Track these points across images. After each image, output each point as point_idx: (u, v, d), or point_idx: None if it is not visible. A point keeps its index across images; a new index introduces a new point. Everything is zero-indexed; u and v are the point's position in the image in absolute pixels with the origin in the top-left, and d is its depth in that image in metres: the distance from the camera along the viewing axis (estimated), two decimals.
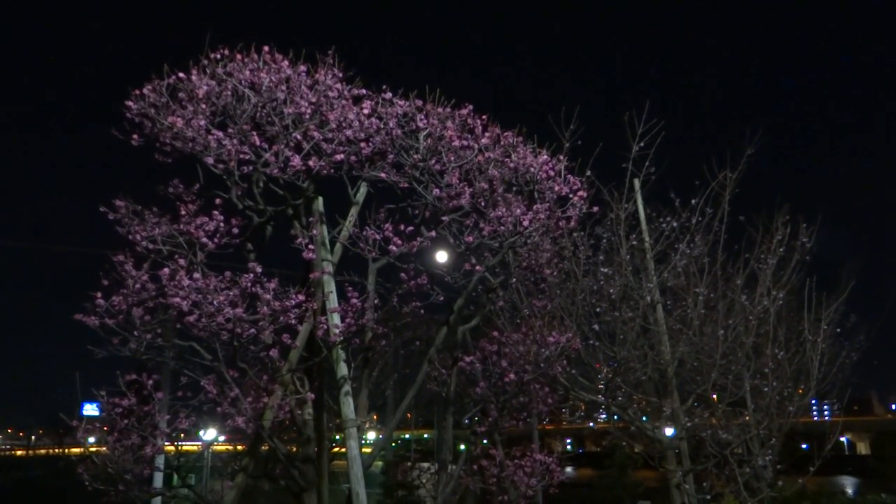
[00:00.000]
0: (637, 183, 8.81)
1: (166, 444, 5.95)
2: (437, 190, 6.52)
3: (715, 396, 8.06)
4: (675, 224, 8.51)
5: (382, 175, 6.52)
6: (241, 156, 5.96)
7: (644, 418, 8.53)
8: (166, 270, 5.45)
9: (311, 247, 6.31)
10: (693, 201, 8.50)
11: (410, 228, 6.49)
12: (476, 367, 8.05)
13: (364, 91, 6.50)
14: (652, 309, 8.30)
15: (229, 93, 6.07)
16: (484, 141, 6.75)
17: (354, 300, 6.41)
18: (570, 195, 7.23)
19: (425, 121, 6.55)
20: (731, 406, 8.13)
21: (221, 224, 5.95)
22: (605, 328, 8.03)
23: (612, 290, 7.97)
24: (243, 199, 6.27)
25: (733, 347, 7.80)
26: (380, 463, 21.03)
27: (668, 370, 8.03)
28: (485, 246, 7.18)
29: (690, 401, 8.24)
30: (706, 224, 8.37)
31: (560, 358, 7.55)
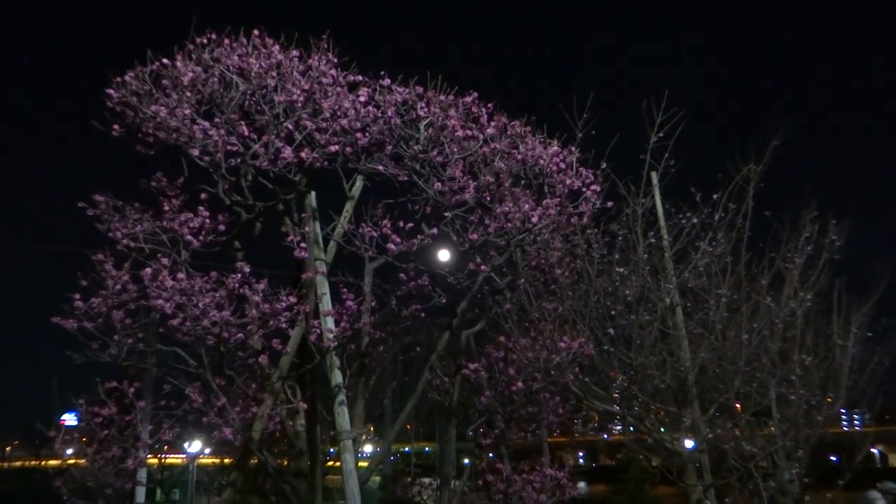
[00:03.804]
0: (655, 176, 8.80)
1: (149, 456, 5.95)
2: (439, 184, 6.51)
3: (738, 406, 8.04)
4: (695, 220, 8.49)
5: (380, 168, 6.50)
6: (229, 147, 5.95)
7: (662, 429, 8.51)
8: (148, 270, 5.45)
9: (303, 245, 6.29)
10: (715, 196, 8.48)
11: (410, 225, 6.47)
12: (481, 375, 8.03)
13: (360, 77, 6.49)
14: (671, 312, 8.28)
15: (216, 80, 6.07)
16: (489, 131, 6.73)
17: (350, 302, 6.39)
18: (583, 189, 7.21)
19: (426, 109, 6.54)
20: (756, 416, 8.10)
21: (207, 221, 5.94)
22: (621, 333, 8.01)
23: (627, 292, 7.95)
24: (231, 194, 6.26)
25: (758, 353, 7.78)
26: (377, 478, 21.04)
27: (688, 378, 8.01)
28: (490, 244, 7.16)
29: (712, 410, 8.21)
30: (729, 221, 8.35)
31: (572, 365, 7.53)
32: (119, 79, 5.97)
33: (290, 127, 6.19)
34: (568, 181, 7.12)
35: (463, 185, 6.56)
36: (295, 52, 6.32)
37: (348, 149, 6.42)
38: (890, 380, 8.89)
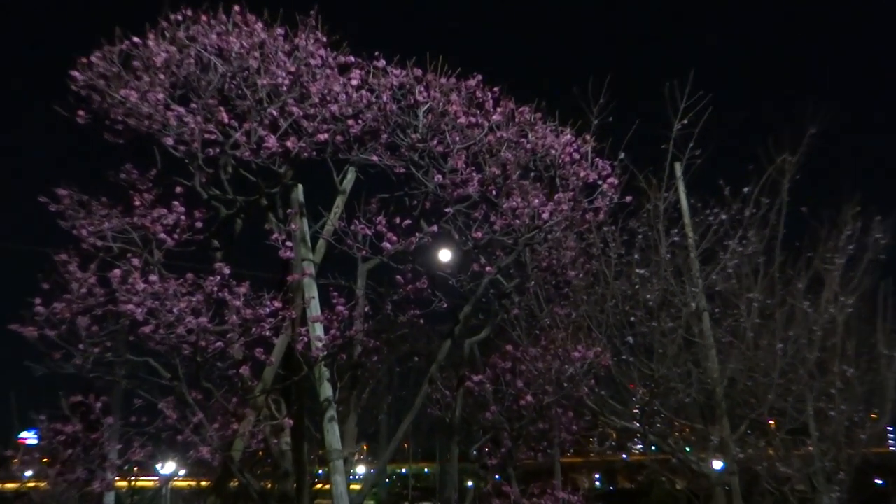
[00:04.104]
0: (679, 167, 8.80)
1: (117, 478, 5.96)
2: (440, 176, 6.50)
3: (772, 422, 8.04)
4: (724, 217, 8.49)
5: (374, 158, 6.50)
6: (207, 135, 5.95)
7: (687, 449, 8.51)
8: (117, 272, 5.44)
9: (288, 244, 6.29)
10: (746, 190, 8.48)
11: (408, 222, 6.46)
12: (486, 388, 8.03)
13: (352, 59, 6.48)
14: (697, 318, 8.28)
15: (192, 61, 6.06)
16: (495, 117, 6.72)
17: (341, 308, 6.38)
18: (599, 182, 7.20)
19: (425, 93, 6.52)
20: (792, 434, 8.10)
21: (182, 217, 5.94)
22: (641, 341, 8.02)
23: (648, 296, 7.96)
24: (209, 188, 6.27)
25: (794, 364, 7.78)
26: (371, 502, 21.07)
27: (716, 391, 8.01)
28: (496, 243, 7.15)
29: (743, 428, 8.21)
30: (761, 217, 8.35)
31: (587, 377, 7.53)
32: (85, 60, 5.97)
33: (275, 113, 6.18)
34: (582, 173, 7.11)
35: (466, 178, 6.56)
36: (280, 31, 6.31)
37: (339, 137, 6.41)
38: None
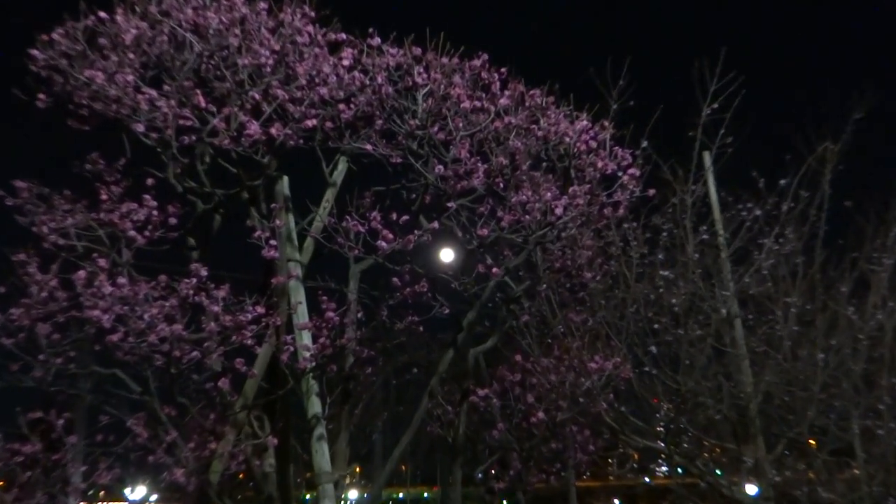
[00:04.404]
0: (708, 157, 8.76)
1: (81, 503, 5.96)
2: (441, 167, 6.52)
3: (812, 442, 8.00)
4: (758, 212, 8.46)
5: (368, 147, 6.53)
6: (181, 121, 5.96)
7: (718, 472, 8.48)
8: (82, 274, 5.45)
9: (272, 242, 6.30)
10: (783, 182, 8.44)
11: (406, 218, 6.48)
12: (493, 403, 8.04)
13: (344, 36, 6.51)
14: (728, 325, 8.25)
15: (166, 38, 6.08)
16: (503, 101, 6.74)
17: (331, 313, 6.41)
18: (619, 173, 7.21)
19: (425, 75, 6.55)
20: (835, 455, 8.06)
21: (154, 212, 5.96)
22: (666, 351, 7.99)
23: (674, 301, 7.92)
24: (183, 180, 6.28)
25: (837, 377, 7.74)
26: None
27: (749, 407, 7.97)
28: (504, 241, 7.16)
29: (780, 448, 8.18)
30: (800, 212, 8.31)
31: (605, 390, 7.52)
32: (45, 37, 5.97)
33: (258, 97, 6.21)
34: (600, 164, 7.12)
35: (470, 169, 6.57)
36: (263, 5, 6.34)
37: (329, 123, 6.44)
38: None
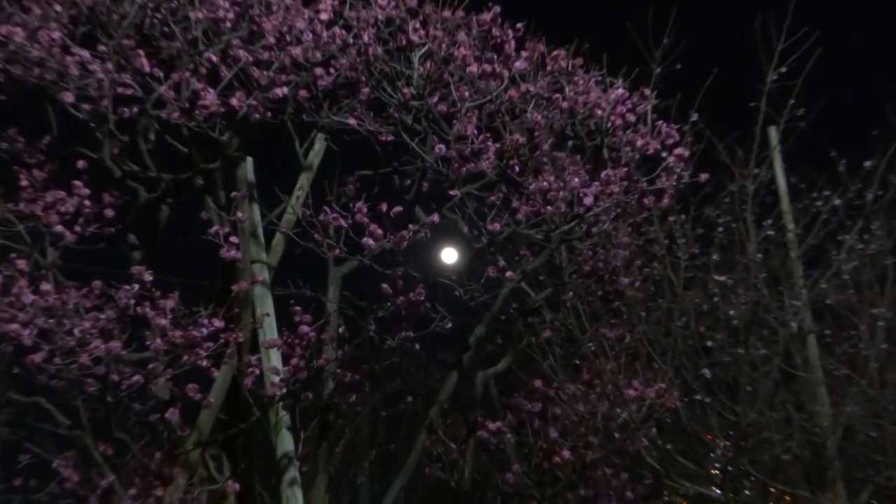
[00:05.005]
0: (775, 133, 8.75)
1: None
2: (443, 146, 6.49)
3: None
4: (837, 202, 8.45)
5: (352, 122, 6.50)
6: (120, 90, 5.93)
7: None
8: None
9: (234, 240, 6.28)
10: (868, 164, 8.43)
11: (398, 210, 6.46)
12: (507, 440, 8.02)
13: None
14: (800, 342, 8.24)
15: None
16: (519, 65, 6.71)
17: (306, 328, 6.39)
18: (663, 154, 7.17)
19: (422, 32, 6.53)
20: None
21: (87, 203, 5.94)
22: (722, 375, 7.98)
23: (732, 312, 7.92)
24: (123, 162, 6.26)
25: None
26: None
27: (826, 445, 7.96)
28: (521, 238, 7.13)
29: (864, 496, 8.18)
30: (890, 202, 8.30)
31: (646, 424, 7.51)
32: None
33: (215, 59, 6.19)
34: (640, 142, 7.09)
35: (479, 149, 6.56)
36: None
37: (303, 92, 6.41)
38: None
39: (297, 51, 6.29)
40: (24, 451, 5.84)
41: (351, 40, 6.44)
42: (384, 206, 6.37)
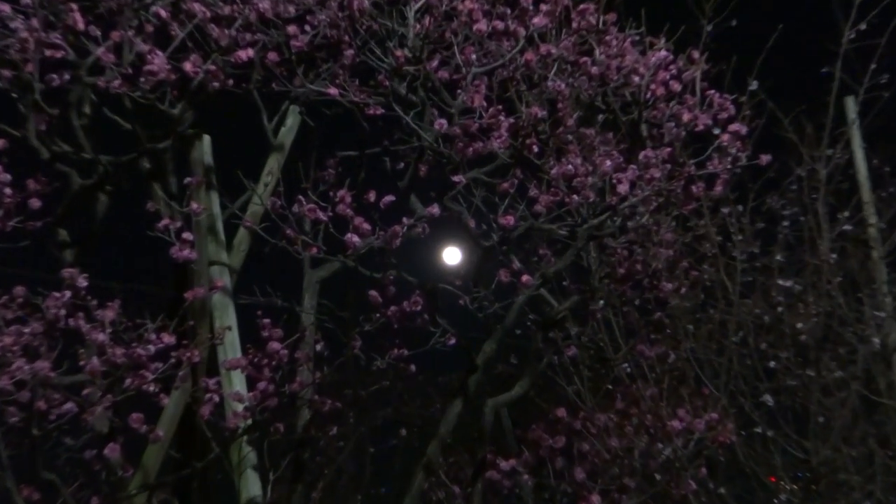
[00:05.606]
0: (853, 105, 8.76)
1: None
2: (444, 121, 6.50)
3: None
4: None
5: (332, 91, 6.50)
6: (48, 52, 5.97)
7: None
8: None
9: (187, 236, 6.30)
10: None
11: (390, 199, 6.48)
12: (523, 482, 8.03)
13: None
14: (884, 363, 8.25)
15: None
16: (537, 21, 6.70)
17: (276, 345, 6.42)
18: (716, 130, 7.18)
19: None
20: None
21: (7, 191, 5.96)
22: (788, 402, 7.99)
23: (800, 325, 7.92)
24: (52, 141, 6.28)
25: None
26: None
27: None
28: (540, 234, 7.15)
29: None
30: None
31: (695, 462, 7.52)
32: None
33: (163, 14, 6.20)
34: (686, 116, 7.10)
35: (489, 125, 6.56)
36: None
37: (272, 55, 6.42)
38: None
39: (265, 4, 6.31)
40: None
41: None
42: (372, 196, 6.39)
